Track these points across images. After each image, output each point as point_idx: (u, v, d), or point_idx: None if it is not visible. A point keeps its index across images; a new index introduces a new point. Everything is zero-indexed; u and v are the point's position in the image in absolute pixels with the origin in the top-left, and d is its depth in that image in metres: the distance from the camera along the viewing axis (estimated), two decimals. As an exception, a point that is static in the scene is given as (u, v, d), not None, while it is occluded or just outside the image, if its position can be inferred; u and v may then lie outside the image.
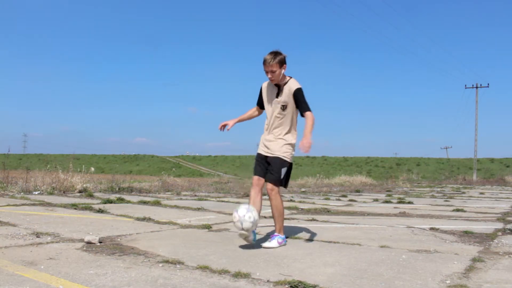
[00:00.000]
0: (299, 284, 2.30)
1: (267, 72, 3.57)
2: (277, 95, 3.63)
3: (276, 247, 3.42)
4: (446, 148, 59.09)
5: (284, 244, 3.52)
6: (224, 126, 3.83)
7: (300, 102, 3.59)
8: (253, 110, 3.92)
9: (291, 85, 3.60)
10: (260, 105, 3.84)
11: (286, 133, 3.63)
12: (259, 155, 3.70)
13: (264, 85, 3.76)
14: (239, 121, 3.91)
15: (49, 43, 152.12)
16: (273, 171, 3.57)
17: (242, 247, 3.42)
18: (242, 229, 3.28)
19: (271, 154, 3.61)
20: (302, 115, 3.61)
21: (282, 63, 3.56)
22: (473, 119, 37.69)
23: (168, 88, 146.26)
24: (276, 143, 3.61)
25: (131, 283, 2.30)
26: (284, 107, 3.60)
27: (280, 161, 3.58)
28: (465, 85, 39.05)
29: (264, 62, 3.57)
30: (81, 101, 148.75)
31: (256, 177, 3.65)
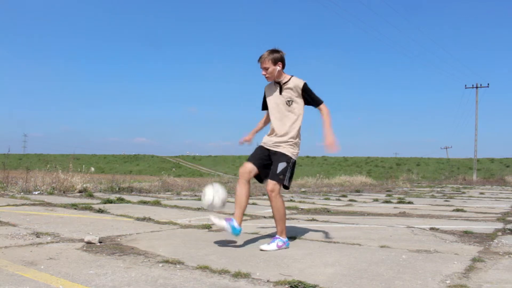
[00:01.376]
0: (299, 284, 2.30)
1: (261, 69, 3.56)
2: (280, 92, 3.58)
3: (275, 250, 3.30)
4: (446, 148, 59.24)
5: (286, 247, 3.40)
6: (245, 141, 3.86)
7: (311, 95, 3.56)
8: (263, 118, 3.86)
9: (296, 82, 3.54)
10: (266, 108, 3.76)
11: (291, 132, 3.52)
12: (260, 147, 3.62)
13: (266, 87, 3.71)
14: (256, 132, 3.90)
15: (49, 43, 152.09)
16: (274, 167, 3.46)
17: (242, 247, 3.42)
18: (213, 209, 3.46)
19: (274, 148, 3.52)
20: (317, 107, 3.59)
21: (277, 60, 3.51)
22: (473, 119, 37.74)
23: (168, 87, 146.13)
24: (281, 140, 3.52)
25: (131, 283, 2.30)
26: (289, 102, 3.53)
27: (282, 156, 3.48)
28: (465, 85, 39.12)
29: (259, 59, 3.56)
30: (81, 101, 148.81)
31: (248, 165, 3.52)
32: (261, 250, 3.30)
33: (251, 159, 3.57)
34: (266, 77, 3.58)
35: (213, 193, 3.44)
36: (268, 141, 3.59)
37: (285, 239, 3.44)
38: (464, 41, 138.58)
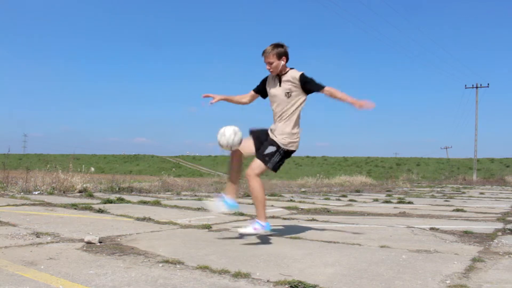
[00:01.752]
0: (299, 284, 2.30)
1: (265, 63, 3.58)
2: (280, 84, 3.62)
3: (252, 234, 3.34)
4: (446, 148, 59.17)
5: (265, 231, 3.40)
6: (208, 97, 3.73)
7: (312, 83, 3.53)
8: (245, 95, 3.87)
9: (293, 73, 3.57)
10: (257, 91, 3.80)
11: (289, 124, 3.57)
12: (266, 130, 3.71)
13: (269, 77, 3.74)
14: (226, 99, 3.82)
15: (49, 43, 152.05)
16: (263, 147, 3.55)
17: (242, 247, 3.42)
18: (231, 148, 3.52)
19: (272, 136, 3.61)
20: (322, 92, 3.55)
21: (281, 55, 3.54)
22: (473, 119, 37.74)
23: (168, 87, 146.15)
24: (278, 132, 3.59)
25: (131, 283, 2.30)
26: (288, 94, 3.56)
27: (273, 141, 3.55)
28: (465, 85, 39.15)
29: (263, 53, 3.58)
30: (81, 101, 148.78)
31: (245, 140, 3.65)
32: (240, 233, 3.38)
33: (251, 132, 3.73)
34: (270, 71, 3.62)
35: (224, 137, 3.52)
36: (271, 128, 3.69)
37: (264, 223, 3.43)
38: (464, 41, 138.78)
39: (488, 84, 38.52)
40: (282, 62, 3.56)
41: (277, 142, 3.55)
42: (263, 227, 3.42)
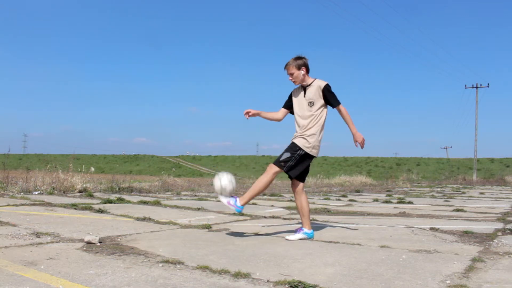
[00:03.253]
0: (299, 284, 2.30)
1: (288, 75, 3.93)
2: (304, 94, 3.91)
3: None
4: (446, 148, 59.31)
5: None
6: (247, 113, 4.03)
7: (331, 96, 3.84)
8: (277, 112, 4.13)
9: (319, 83, 3.88)
10: (286, 107, 4.09)
11: (310, 128, 3.83)
12: None
13: (294, 90, 4.06)
14: (259, 115, 4.08)
15: (50, 43, 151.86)
16: (280, 154, 3.86)
17: (242, 247, 3.42)
18: (221, 193, 3.86)
19: (291, 140, 3.91)
20: (334, 108, 3.90)
21: (300, 66, 3.89)
22: (473, 119, 37.80)
23: (168, 86, 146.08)
24: (299, 133, 3.87)
25: (131, 283, 2.30)
26: (311, 103, 3.85)
27: (290, 146, 3.84)
28: (465, 85, 39.11)
29: (285, 66, 3.95)
30: (81, 101, 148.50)
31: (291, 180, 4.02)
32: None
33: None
34: (293, 82, 3.95)
35: (219, 183, 3.86)
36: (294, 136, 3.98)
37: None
38: (464, 41, 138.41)
39: (488, 84, 38.53)
40: (302, 72, 3.88)
41: (295, 142, 3.82)
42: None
